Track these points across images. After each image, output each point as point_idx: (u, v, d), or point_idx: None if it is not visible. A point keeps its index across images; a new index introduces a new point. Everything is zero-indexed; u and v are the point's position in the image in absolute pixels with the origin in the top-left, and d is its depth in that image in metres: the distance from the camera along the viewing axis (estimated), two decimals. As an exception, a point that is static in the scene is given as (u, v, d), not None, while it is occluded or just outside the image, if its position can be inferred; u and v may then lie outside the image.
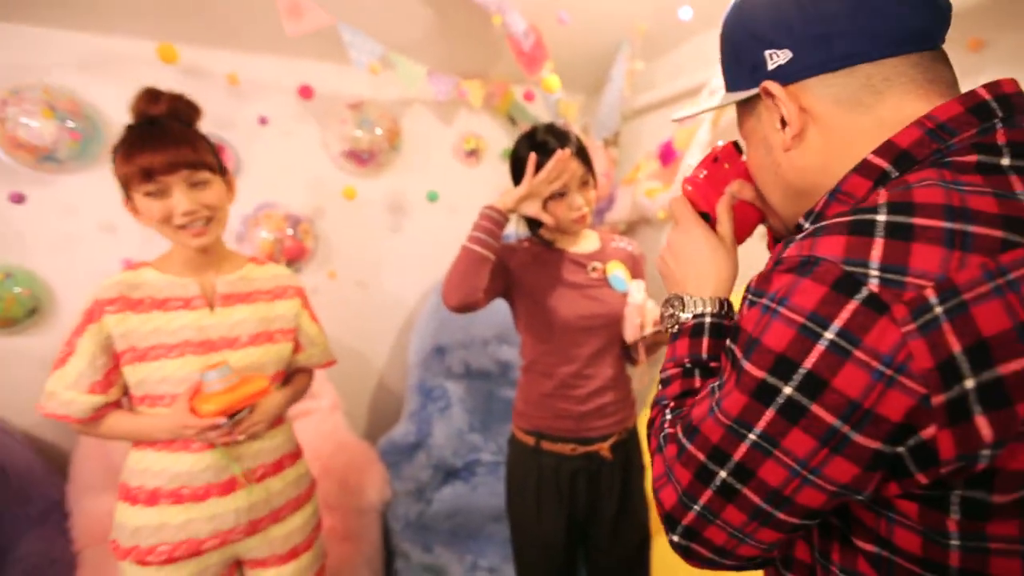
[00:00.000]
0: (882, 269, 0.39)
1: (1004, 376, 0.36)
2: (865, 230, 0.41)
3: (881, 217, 0.40)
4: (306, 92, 2.02)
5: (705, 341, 0.58)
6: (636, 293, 1.16)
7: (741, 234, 0.63)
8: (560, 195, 1.11)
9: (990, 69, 1.19)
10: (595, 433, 1.20)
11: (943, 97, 0.46)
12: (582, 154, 1.13)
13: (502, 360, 2.13)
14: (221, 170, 1.03)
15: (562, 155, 1.04)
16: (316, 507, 1.21)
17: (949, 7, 0.48)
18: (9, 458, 1.57)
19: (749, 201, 0.61)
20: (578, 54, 2.20)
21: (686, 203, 0.65)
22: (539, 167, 1.07)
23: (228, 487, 1.04)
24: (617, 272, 1.21)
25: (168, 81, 1.93)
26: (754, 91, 0.52)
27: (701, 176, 0.64)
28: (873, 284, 0.39)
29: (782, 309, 0.42)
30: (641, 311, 1.14)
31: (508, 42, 1.88)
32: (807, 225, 0.50)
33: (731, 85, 0.56)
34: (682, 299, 0.61)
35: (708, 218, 0.63)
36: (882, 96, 0.47)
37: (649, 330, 1.13)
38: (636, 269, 1.27)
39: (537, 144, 1.11)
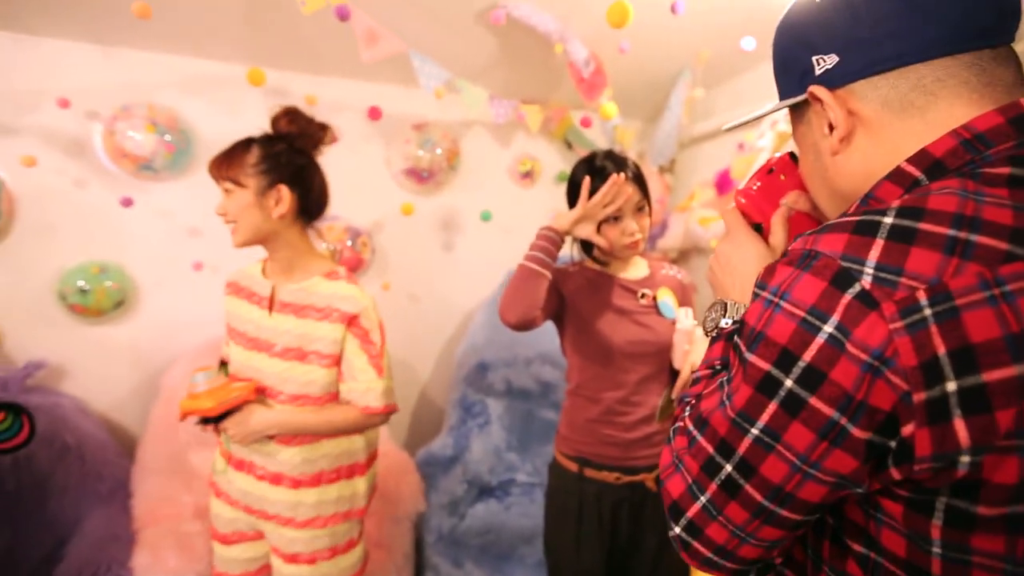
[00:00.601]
0: (877, 268, 0.39)
1: (987, 383, 0.36)
2: (869, 230, 0.41)
3: (888, 219, 0.41)
4: (375, 113, 2.11)
5: None
6: (685, 320, 1.15)
7: None
8: (615, 219, 1.12)
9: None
10: (641, 462, 1.18)
11: (999, 102, 0.45)
12: (639, 180, 1.15)
13: (544, 380, 2.10)
14: (269, 185, 1.10)
15: (617, 179, 1.06)
16: (338, 533, 1.18)
17: (1016, 5, 0.46)
18: (86, 438, 1.68)
19: (805, 212, 0.61)
20: (637, 81, 2.22)
21: (738, 214, 0.65)
22: (595, 191, 1.09)
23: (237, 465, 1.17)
24: (667, 299, 1.21)
25: (255, 102, 2.09)
26: (802, 97, 0.52)
27: (755, 188, 0.64)
28: (866, 281, 0.39)
29: (784, 303, 0.42)
30: (690, 337, 1.14)
31: (568, 69, 1.92)
32: None
33: (782, 93, 0.56)
34: (725, 305, 0.61)
35: (761, 230, 0.63)
36: (935, 98, 0.45)
37: (697, 357, 1.11)
38: (685, 297, 1.26)
39: (595, 169, 1.13)
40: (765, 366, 0.43)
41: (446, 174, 2.32)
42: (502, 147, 2.48)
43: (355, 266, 2.19)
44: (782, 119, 1.83)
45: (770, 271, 0.45)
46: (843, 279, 0.40)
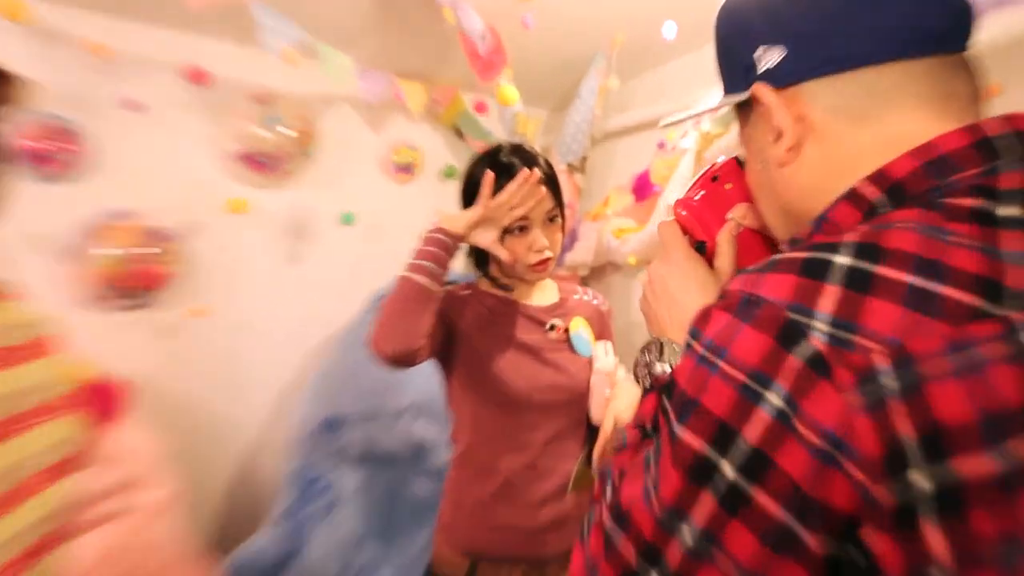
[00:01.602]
0: (830, 323, 0.39)
1: (964, 478, 0.35)
2: (819, 272, 0.41)
3: (841, 259, 0.41)
4: (197, 76, 1.90)
5: None
6: (604, 357, 1.15)
7: (748, 264, 0.63)
8: (520, 230, 1.10)
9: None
10: (551, 549, 1.13)
11: (958, 118, 0.47)
12: (552, 184, 1.13)
13: (418, 440, 1.99)
14: None
15: (530, 176, 1.03)
16: None
17: (967, 7, 0.49)
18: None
19: (756, 229, 0.61)
20: (544, 63, 2.24)
21: (677, 230, 0.65)
22: (499, 190, 1.06)
23: None
24: (582, 332, 1.20)
25: (14, 43, 1.77)
26: (745, 95, 0.53)
27: (697, 198, 0.64)
28: (817, 339, 0.39)
29: (721, 362, 0.42)
30: (611, 380, 1.13)
31: (460, 42, 1.88)
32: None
33: (726, 88, 0.57)
34: (661, 345, 0.61)
35: (704, 249, 0.63)
36: (890, 108, 0.48)
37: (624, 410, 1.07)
38: (604, 328, 1.26)
39: (500, 165, 1.10)
40: (699, 445, 0.42)
41: (296, 162, 2.21)
42: (373, 132, 2.41)
43: (153, 283, 1.96)
44: (707, 117, 1.83)
45: (705, 316, 0.45)
46: (790, 334, 0.40)
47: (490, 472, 1.13)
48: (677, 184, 1.88)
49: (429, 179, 2.52)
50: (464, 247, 1.11)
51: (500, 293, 1.19)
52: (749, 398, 0.40)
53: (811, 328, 0.39)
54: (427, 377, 1.94)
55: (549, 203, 1.11)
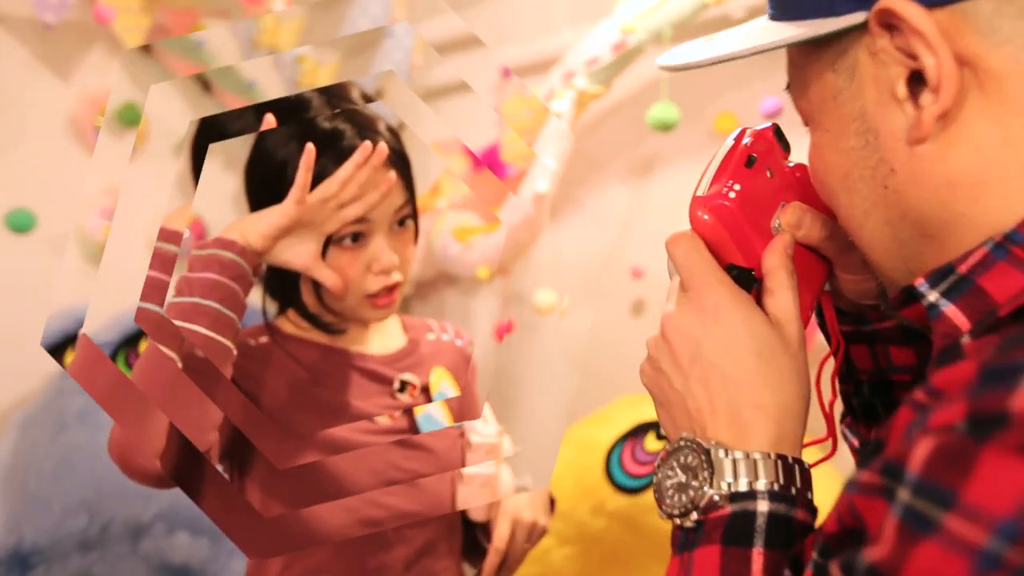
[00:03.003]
0: None
1: None
2: None
3: None
4: None
5: (757, 556, 0.51)
6: (482, 426, 1.15)
7: (805, 306, 0.61)
8: (355, 239, 1.06)
9: None
10: None
11: None
12: (404, 167, 1.11)
13: (175, 564, 1.88)
14: None
15: (373, 153, 1.00)
16: None
17: None
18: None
19: (814, 244, 0.61)
20: None
21: (703, 250, 0.60)
22: (323, 177, 1.02)
23: None
24: (447, 390, 1.20)
25: None
26: (856, 19, 0.48)
27: (731, 194, 0.60)
28: None
29: (943, 516, 0.37)
30: (496, 458, 1.14)
31: None
32: (932, 297, 0.48)
33: (793, 11, 0.53)
34: (707, 453, 0.55)
35: (749, 279, 0.59)
36: None
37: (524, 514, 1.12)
38: (472, 383, 1.27)
39: (320, 135, 1.05)
40: None
41: None
42: (56, 76, 2.21)
43: None
44: (583, 72, 1.85)
45: (956, 460, 0.38)
46: None
47: None
48: (544, 166, 1.87)
49: (161, 157, 2.21)
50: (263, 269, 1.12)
51: (320, 339, 1.16)
52: (993, 571, 0.35)
53: None
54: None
55: (399, 197, 1.08)
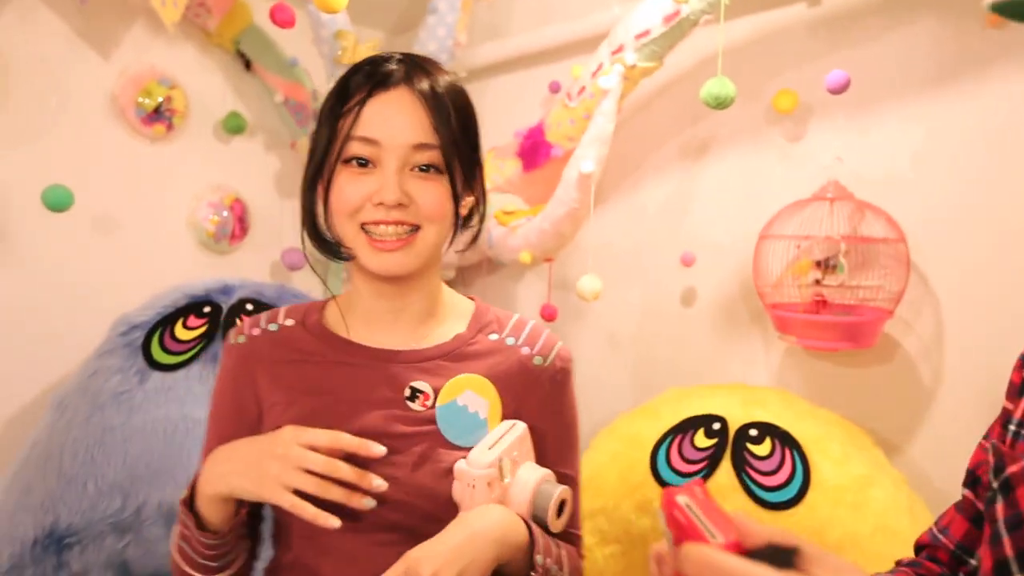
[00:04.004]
0: None
1: None
2: None
3: None
4: None
5: None
6: (484, 452, 1.01)
7: None
8: (362, 163, 0.98)
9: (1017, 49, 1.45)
10: None
11: None
12: (438, 106, 0.99)
13: None
14: None
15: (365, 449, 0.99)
16: None
17: None
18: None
19: None
20: None
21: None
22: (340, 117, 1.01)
23: None
24: (465, 403, 1.06)
25: None
26: None
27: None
28: None
29: None
30: (476, 489, 0.99)
31: None
32: None
33: None
34: None
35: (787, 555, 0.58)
36: None
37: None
38: (526, 402, 1.08)
39: (367, 75, 1.00)
40: None
41: None
42: (97, 53, 2.20)
43: None
44: (632, 46, 1.79)
45: None
46: None
47: None
48: (590, 145, 1.82)
49: (201, 133, 2.34)
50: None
51: (353, 335, 1.07)
52: None
53: None
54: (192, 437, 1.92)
55: (421, 134, 0.96)
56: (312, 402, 1.05)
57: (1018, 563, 0.61)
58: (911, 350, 1.58)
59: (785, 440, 1.51)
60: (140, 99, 2.19)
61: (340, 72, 1.36)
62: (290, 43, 2.31)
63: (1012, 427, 0.68)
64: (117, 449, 1.85)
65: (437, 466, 1.03)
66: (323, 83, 2.22)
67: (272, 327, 1.09)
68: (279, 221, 2.43)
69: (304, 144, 2.27)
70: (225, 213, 2.22)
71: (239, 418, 1.07)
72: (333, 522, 0.92)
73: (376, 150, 0.98)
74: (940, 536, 0.81)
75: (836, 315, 1.53)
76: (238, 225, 2.27)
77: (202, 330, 1.91)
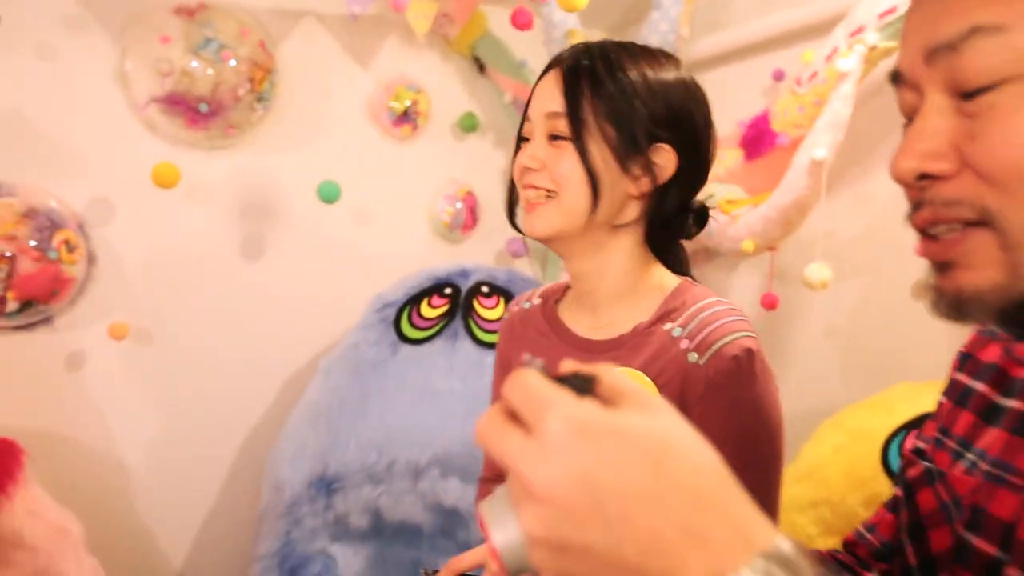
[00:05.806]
0: None
1: None
2: None
3: None
4: None
5: None
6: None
7: None
8: (522, 138, 1.04)
9: None
10: None
11: None
12: (573, 80, 0.98)
13: (446, 506, 2.00)
14: None
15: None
16: None
17: None
18: None
19: None
20: None
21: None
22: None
23: None
24: None
25: None
26: None
27: None
28: None
29: None
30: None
31: None
32: None
33: None
34: None
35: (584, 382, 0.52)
36: None
37: None
38: (687, 406, 0.93)
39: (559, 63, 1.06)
40: None
41: (247, 110, 2.11)
42: (359, 65, 2.34)
43: (47, 293, 1.88)
44: (874, 26, 1.73)
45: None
46: None
47: None
48: (825, 132, 1.76)
49: (440, 134, 2.45)
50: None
51: (555, 312, 1.11)
52: None
53: None
54: (460, 419, 1.96)
55: (553, 102, 0.97)
56: None
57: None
58: None
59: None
60: (391, 103, 2.32)
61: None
62: (520, 45, 2.36)
63: (945, 439, 0.66)
64: (373, 411, 2.01)
65: None
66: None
67: (526, 305, 1.13)
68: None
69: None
70: (459, 205, 2.36)
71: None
72: None
73: (530, 125, 1.01)
74: (866, 534, 0.77)
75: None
76: (469, 216, 2.38)
77: (444, 309, 2.04)
